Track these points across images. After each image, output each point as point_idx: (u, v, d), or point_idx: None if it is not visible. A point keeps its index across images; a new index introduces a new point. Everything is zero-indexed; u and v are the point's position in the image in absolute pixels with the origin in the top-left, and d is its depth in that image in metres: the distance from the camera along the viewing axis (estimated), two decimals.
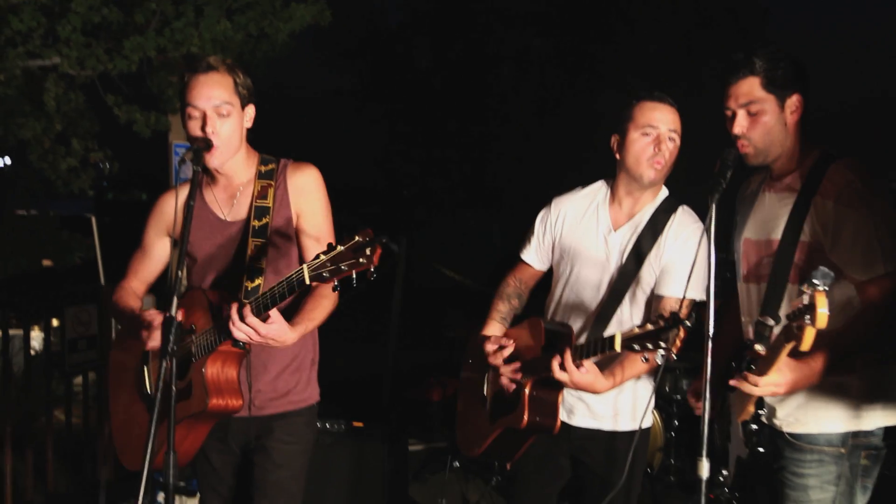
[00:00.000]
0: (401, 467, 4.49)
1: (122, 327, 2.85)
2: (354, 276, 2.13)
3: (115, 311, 2.81)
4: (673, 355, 2.25)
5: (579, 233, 2.93)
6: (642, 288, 2.81)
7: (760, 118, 2.44)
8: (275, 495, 2.71)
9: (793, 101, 2.45)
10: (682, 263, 2.72)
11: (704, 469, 2.26)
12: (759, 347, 2.22)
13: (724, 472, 2.63)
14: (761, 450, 2.45)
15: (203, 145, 2.51)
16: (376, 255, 2.11)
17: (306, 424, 2.80)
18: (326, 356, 3.05)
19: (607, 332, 2.71)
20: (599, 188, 2.99)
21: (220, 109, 2.55)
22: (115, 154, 8.32)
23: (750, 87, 2.44)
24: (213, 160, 2.59)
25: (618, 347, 2.38)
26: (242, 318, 2.35)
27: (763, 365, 2.20)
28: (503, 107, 16.87)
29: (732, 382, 2.28)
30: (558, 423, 2.77)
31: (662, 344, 2.24)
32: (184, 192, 2.51)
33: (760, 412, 2.45)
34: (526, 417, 2.73)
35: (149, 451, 2.13)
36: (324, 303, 2.58)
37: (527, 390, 2.74)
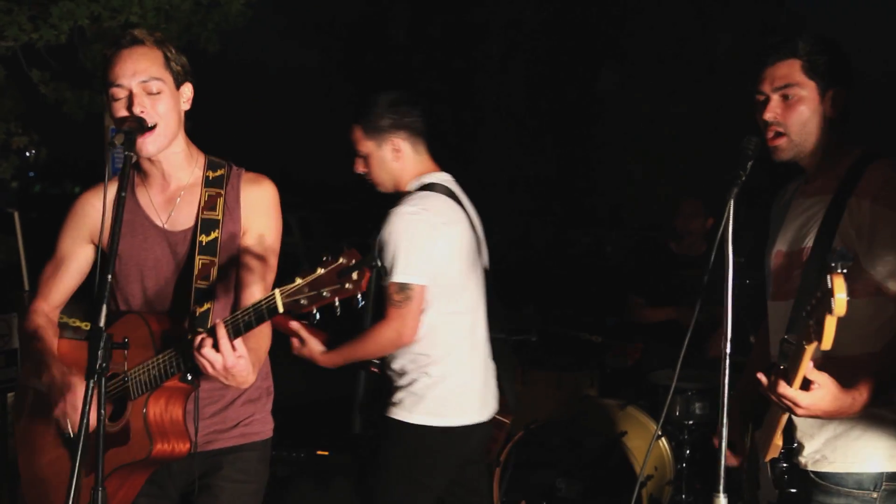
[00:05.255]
0: None
1: (33, 374, 2.67)
2: (338, 303, 2.08)
3: (30, 352, 2.65)
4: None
5: None
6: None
7: (797, 106, 2.43)
8: None
9: (834, 93, 2.44)
10: (386, 248, 3.10)
11: None
12: (782, 367, 2.21)
13: None
14: (793, 490, 2.43)
15: (136, 125, 2.40)
16: (364, 279, 2.06)
17: (259, 461, 2.73)
18: (285, 370, 2.98)
19: None
20: None
21: (149, 86, 2.46)
22: (43, 139, 8.20)
23: (789, 70, 2.43)
24: (150, 145, 2.49)
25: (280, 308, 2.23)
26: (216, 342, 2.23)
27: (788, 378, 2.18)
28: (490, 89, 16.87)
29: (762, 387, 2.24)
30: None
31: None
32: (113, 188, 2.42)
33: (788, 449, 2.44)
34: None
35: (71, 494, 2.05)
36: (263, 342, 2.53)
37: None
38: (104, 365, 2.14)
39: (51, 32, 6.78)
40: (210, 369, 2.26)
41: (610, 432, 4.51)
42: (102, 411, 2.15)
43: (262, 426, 2.73)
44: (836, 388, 2.19)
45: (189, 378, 2.39)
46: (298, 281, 2.11)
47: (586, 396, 5.14)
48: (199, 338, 2.25)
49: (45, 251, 2.79)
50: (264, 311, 2.19)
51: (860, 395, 2.21)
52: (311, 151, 14.91)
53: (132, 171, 2.60)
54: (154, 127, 2.47)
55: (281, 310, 2.15)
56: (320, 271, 2.09)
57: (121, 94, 2.46)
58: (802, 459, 2.44)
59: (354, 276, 2.05)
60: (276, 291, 2.15)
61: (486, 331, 3.34)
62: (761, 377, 2.25)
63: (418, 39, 17.45)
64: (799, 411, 2.20)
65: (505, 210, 15.57)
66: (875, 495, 2.36)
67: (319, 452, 4.28)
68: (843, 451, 2.39)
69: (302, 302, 2.11)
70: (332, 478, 4.23)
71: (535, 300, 8.91)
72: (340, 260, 2.07)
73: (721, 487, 2.25)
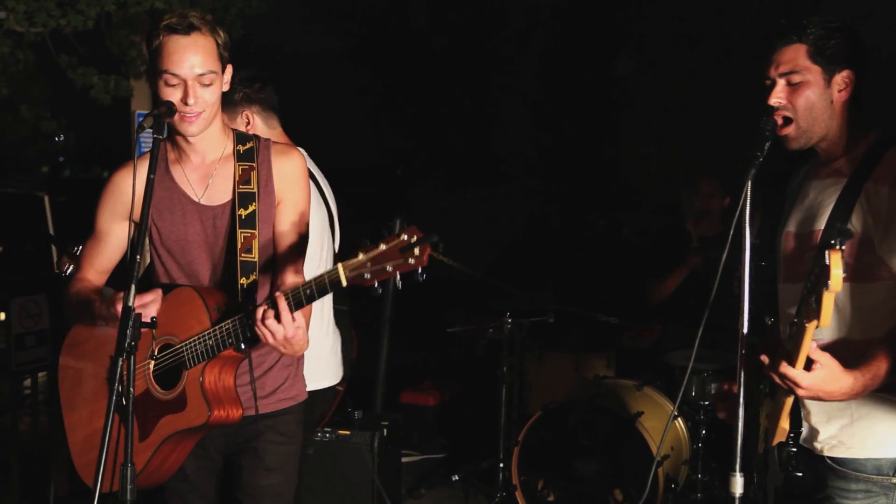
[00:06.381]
0: (393, 481, 4.47)
1: (87, 322, 2.76)
2: (398, 277, 2.13)
3: (77, 307, 2.72)
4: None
5: None
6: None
7: (802, 91, 2.40)
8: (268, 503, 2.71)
9: (842, 76, 2.39)
10: None
11: (738, 486, 2.24)
12: (786, 347, 2.20)
13: None
14: (799, 475, 2.41)
15: (165, 110, 2.46)
16: (426, 254, 2.11)
17: (296, 423, 2.81)
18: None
19: None
20: None
21: (204, 79, 2.50)
22: (71, 124, 8.25)
23: (795, 55, 2.39)
24: (193, 127, 2.55)
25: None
26: (277, 314, 2.31)
27: (791, 359, 2.17)
28: (509, 73, 16.82)
29: (764, 367, 2.24)
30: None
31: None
32: (143, 167, 2.46)
33: (796, 433, 2.42)
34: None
35: (130, 464, 2.19)
36: (308, 308, 2.55)
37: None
38: (133, 344, 2.20)
39: (78, 18, 6.79)
40: (270, 339, 2.35)
41: (626, 413, 4.51)
42: (132, 389, 2.20)
43: (296, 391, 2.82)
44: (839, 368, 2.18)
45: (243, 347, 2.48)
46: (361, 256, 2.16)
47: (603, 377, 5.14)
48: (261, 310, 2.34)
49: (74, 234, 2.83)
50: (327, 284, 2.26)
51: (862, 377, 2.20)
52: (333, 135, 14.86)
53: (165, 149, 2.67)
54: (201, 112, 2.54)
55: (344, 283, 2.21)
56: (382, 247, 2.14)
57: (174, 81, 2.50)
58: (818, 445, 2.42)
59: (416, 251, 2.10)
60: (340, 265, 2.20)
61: (331, 302, 3.39)
62: (763, 358, 2.25)
63: (438, 24, 17.39)
64: (800, 391, 2.19)
65: (522, 192, 15.53)
66: (895, 480, 2.33)
67: (341, 432, 4.30)
68: (862, 437, 2.36)
69: (365, 276, 2.16)
70: (353, 457, 4.25)
71: (552, 282, 8.89)
72: (402, 236, 2.12)
73: (737, 467, 2.25)
